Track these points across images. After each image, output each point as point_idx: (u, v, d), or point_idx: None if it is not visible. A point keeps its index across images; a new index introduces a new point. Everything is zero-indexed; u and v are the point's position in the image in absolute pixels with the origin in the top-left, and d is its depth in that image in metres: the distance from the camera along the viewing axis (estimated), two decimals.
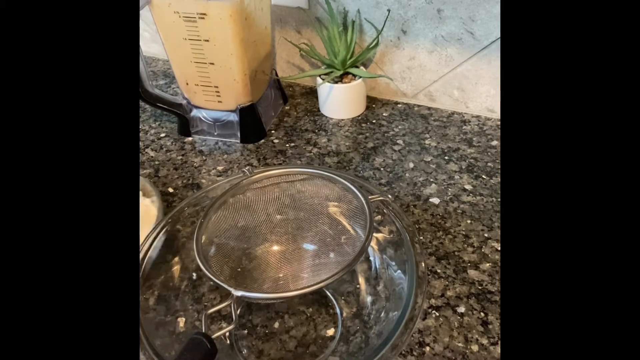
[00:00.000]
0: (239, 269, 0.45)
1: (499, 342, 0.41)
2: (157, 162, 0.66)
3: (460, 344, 0.41)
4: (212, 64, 0.62)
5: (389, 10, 0.67)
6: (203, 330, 0.33)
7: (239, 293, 0.36)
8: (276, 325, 0.44)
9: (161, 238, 0.44)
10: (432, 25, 0.66)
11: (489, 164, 0.61)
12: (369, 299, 0.44)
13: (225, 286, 0.36)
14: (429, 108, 0.73)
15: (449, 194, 0.57)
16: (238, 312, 0.37)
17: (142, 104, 0.72)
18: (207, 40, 0.60)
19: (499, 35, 0.62)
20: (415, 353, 0.41)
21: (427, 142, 0.66)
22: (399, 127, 0.69)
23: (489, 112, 0.70)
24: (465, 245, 0.50)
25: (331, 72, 0.70)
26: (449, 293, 0.46)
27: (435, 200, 0.56)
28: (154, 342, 0.35)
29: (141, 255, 0.43)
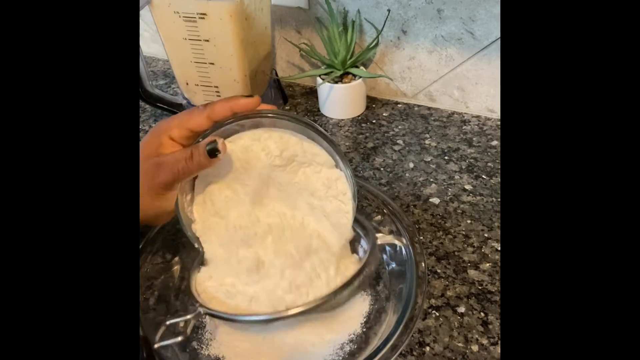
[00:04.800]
0: None
1: (499, 342, 0.41)
2: None
3: (460, 344, 0.41)
4: (212, 64, 0.62)
5: (389, 10, 0.67)
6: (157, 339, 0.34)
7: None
8: None
9: (161, 238, 0.45)
10: (432, 25, 0.66)
11: (489, 164, 0.61)
12: (369, 299, 0.44)
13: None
14: (429, 108, 0.73)
15: (449, 194, 0.57)
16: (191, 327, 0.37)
17: (142, 104, 0.72)
18: (207, 41, 0.60)
19: (499, 35, 0.62)
20: (415, 353, 0.41)
21: (427, 142, 0.66)
22: (399, 127, 0.69)
23: (489, 112, 0.70)
24: (465, 245, 0.50)
25: (331, 72, 0.70)
26: (449, 293, 0.46)
27: (435, 200, 0.56)
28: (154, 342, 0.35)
29: (141, 255, 0.43)
